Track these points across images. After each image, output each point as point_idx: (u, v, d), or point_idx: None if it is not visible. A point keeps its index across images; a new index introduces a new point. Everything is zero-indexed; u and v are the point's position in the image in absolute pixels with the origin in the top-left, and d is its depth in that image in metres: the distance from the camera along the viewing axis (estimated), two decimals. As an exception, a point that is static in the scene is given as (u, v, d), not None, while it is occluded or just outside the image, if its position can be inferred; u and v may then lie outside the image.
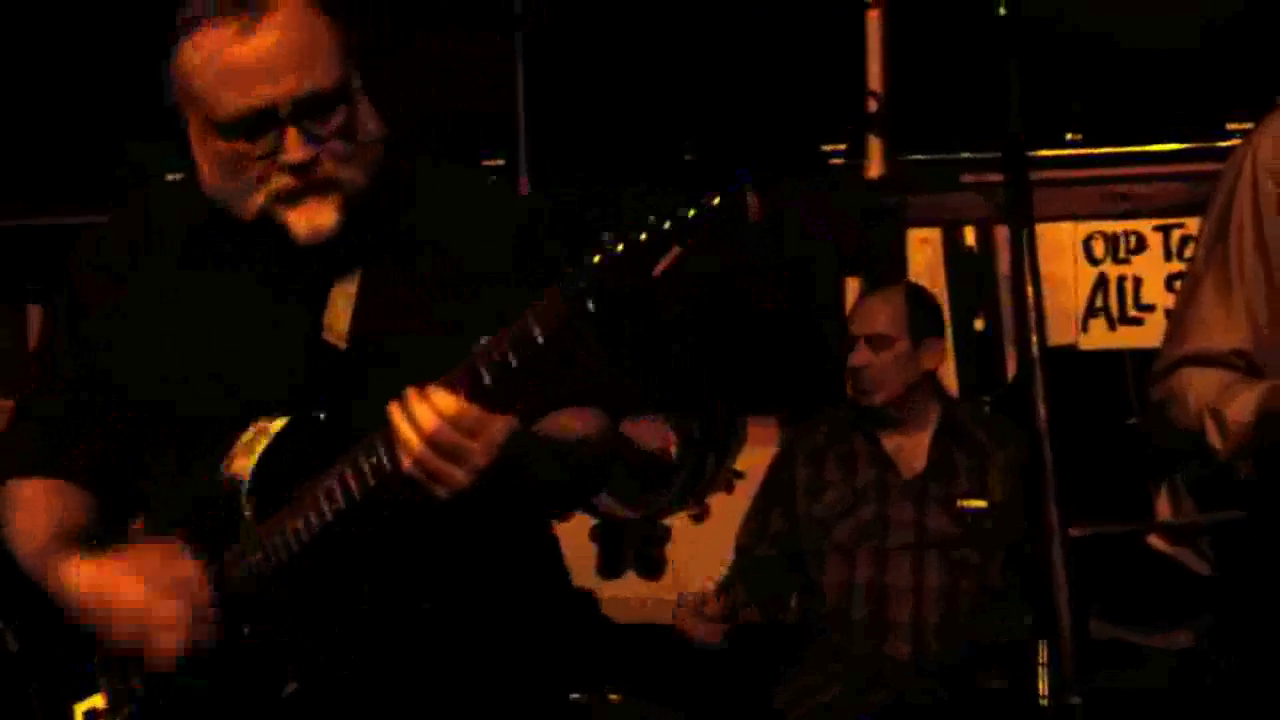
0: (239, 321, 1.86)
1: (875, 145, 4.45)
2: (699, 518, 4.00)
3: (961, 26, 4.30)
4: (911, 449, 3.74)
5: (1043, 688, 3.16)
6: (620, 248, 1.52)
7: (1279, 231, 2.11)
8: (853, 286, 4.48)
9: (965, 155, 4.41)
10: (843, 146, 4.54)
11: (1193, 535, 4.17)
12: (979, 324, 4.48)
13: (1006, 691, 3.56)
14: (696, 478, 4.61)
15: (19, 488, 1.98)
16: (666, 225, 1.52)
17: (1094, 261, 4.42)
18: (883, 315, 3.73)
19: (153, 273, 1.91)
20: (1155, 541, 4.24)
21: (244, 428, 1.81)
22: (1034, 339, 1.32)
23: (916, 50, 4.38)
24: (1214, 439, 2.12)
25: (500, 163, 4.72)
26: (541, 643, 1.93)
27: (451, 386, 1.62)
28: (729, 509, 4.44)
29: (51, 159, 4.90)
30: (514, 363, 1.57)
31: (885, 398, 3.70)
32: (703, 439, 4.66)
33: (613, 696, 3.87)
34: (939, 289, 4.34)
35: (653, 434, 4.52)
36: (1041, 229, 4.51)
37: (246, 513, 1.78)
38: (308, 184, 1.76)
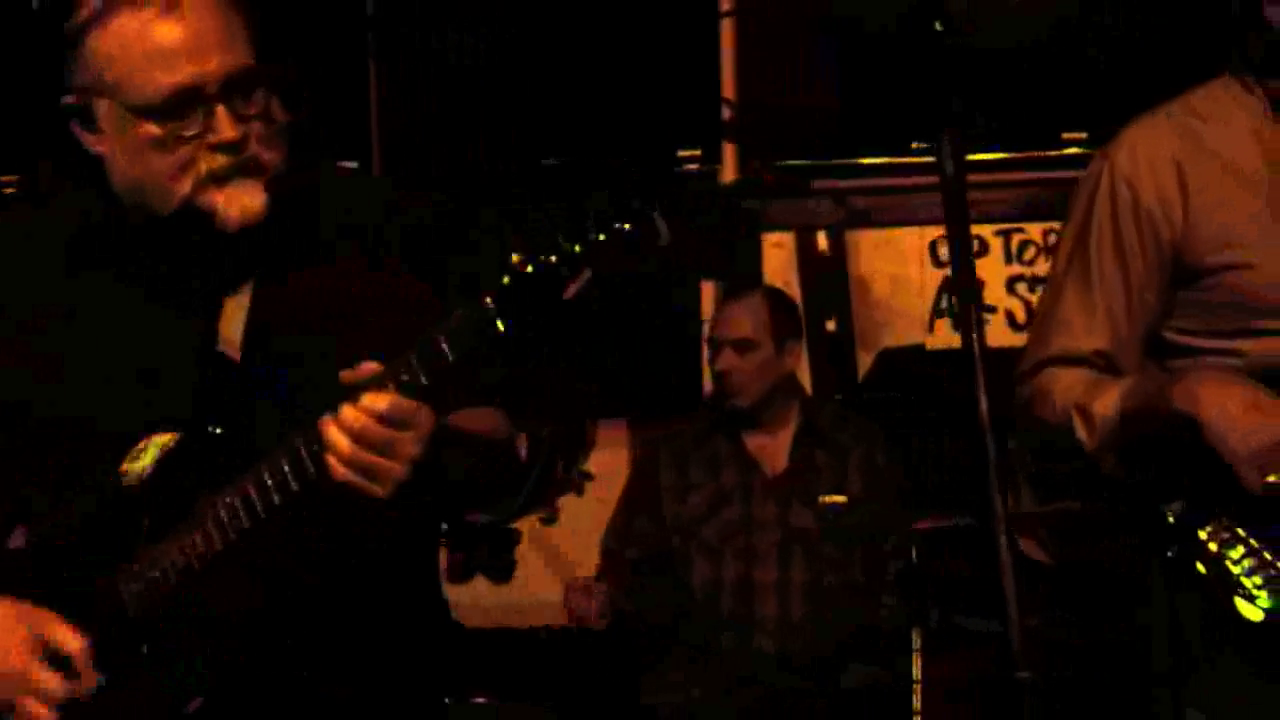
0: (130, 330, 1.81)
1: (729, 151, 4.56)
2: (548, 520, 4.03)
3: (814, 36, 4.44)
4: (774, 449, 3.85)
5: (916, 672, 3.29)
6: (530, 269, 1.54)
7: (1134, 237, 2.22)
8: (708, 290, 4.58)
9: (818, 162, 4.55)
10: (697, 152, 4.64)
11: (1033, 526, 4.37)
12: (831, 325, 4.62)
13: (871, 681, 3.70)
14: (546, 480, 4.65)
15: None
16: (577, 249, 1.53)
17: (939, 264, 4.60)
18: (746, 320, 3.83)
19: (37, 281, 1.85)
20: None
21: (135, 439, 1.77)
22: (974, 337, 1.40)
23: (771, 59, 4.50)
24: (1081, 434, 2.20)
25: (354, 165, 4.69)
26: (429, 649, 1.94)
27: (373, 390, 1.63)
28: (579, 511, 4.49)
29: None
30: (424, 380, 1.59)
31: (750, 400, 3.80)
32: (553, 441, 4.69)
33: (479, 699, 3.90)
34: (792, 292, 4.47)
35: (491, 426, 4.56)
36: (889, 234, 4.71)
37: (143, 526, 1.76)
38: (237, 164, 1.73)
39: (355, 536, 1.77)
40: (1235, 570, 2.07)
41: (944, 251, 4.63)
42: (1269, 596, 2.07)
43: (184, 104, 1.71)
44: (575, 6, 4.62)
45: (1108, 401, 2.19)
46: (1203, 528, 2.10)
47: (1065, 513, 3.87)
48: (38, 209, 1.95)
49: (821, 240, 4.64)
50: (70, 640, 1.77)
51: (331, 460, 1.64)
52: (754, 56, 4.56)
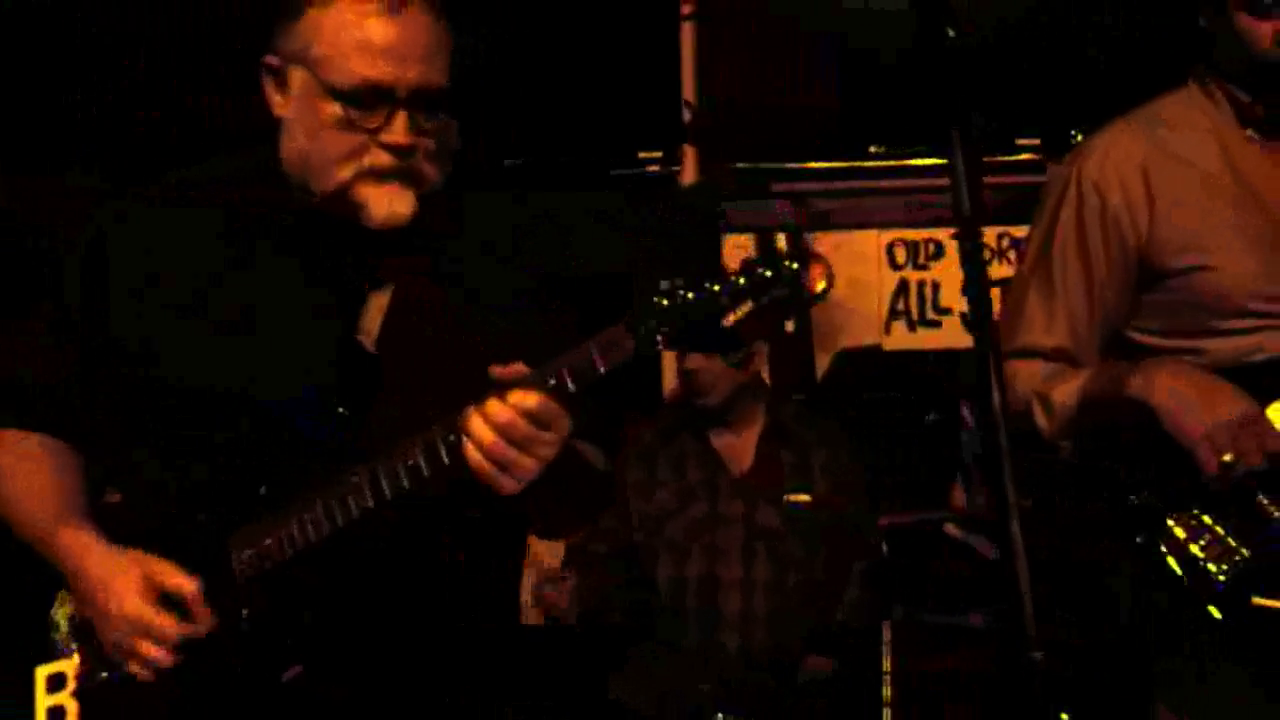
0: (277, 308, 1.88)
1: (689, 153, 4.61)
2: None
3: (777, 40, 4.50)
4: (739, 448, 3.90)
5: (886, 664, 3.35)
6: (691, 296, 1.58)
7: (1099, 240, 2.30)
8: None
9: (778, 165, 4.61)
10: (658, 154, 4.68)
11: (986, 523, 4.45)
12: (789, 326, 4.67)
13: (832, 677, 3.75)
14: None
15: (15, 438, 1.96)
16: (743, 280, 1.58)
17: (896, 267, 4.68)
18: (714, 321, 3.88)
19: (195, 245, 1.91)
20: (951, 529, 4.51)
21: (269, 412, 1.82)
22: (987, 336, 1.46)
23: (731, 62, 4.55)
24: (1040, 420, 2.28)
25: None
26: (507, 652, 1.99)
27: (523, 388, 1.68)
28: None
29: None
30: (572, 388, 1.65)
31: (718, 398, 3.85)
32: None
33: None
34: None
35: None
36: (847, 236, 4.79)
37: (259, 495, 1.81)
38: (399, 168, 1.80)
39: (465, 532, 1.84)
40: (1200, 555, 2.15)
41: (901, 254, 4.71)
42: (1228, 576, 2.14)
43: (372, 98, 1.79)
44: (537, 9, 4.65)
45: (1067, 390, 2.27)
46: (1170, 515, 2.17)
47: (1023, 511, 3.94)
48: (205, 178, 1.98)
49: (781, 242, 4.70)
50: (184, 583, 1.82)
51: (470, 449, 1.69)
52: (718, 60, 4.60)
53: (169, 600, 1.82)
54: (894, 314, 4.68)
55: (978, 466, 4.48)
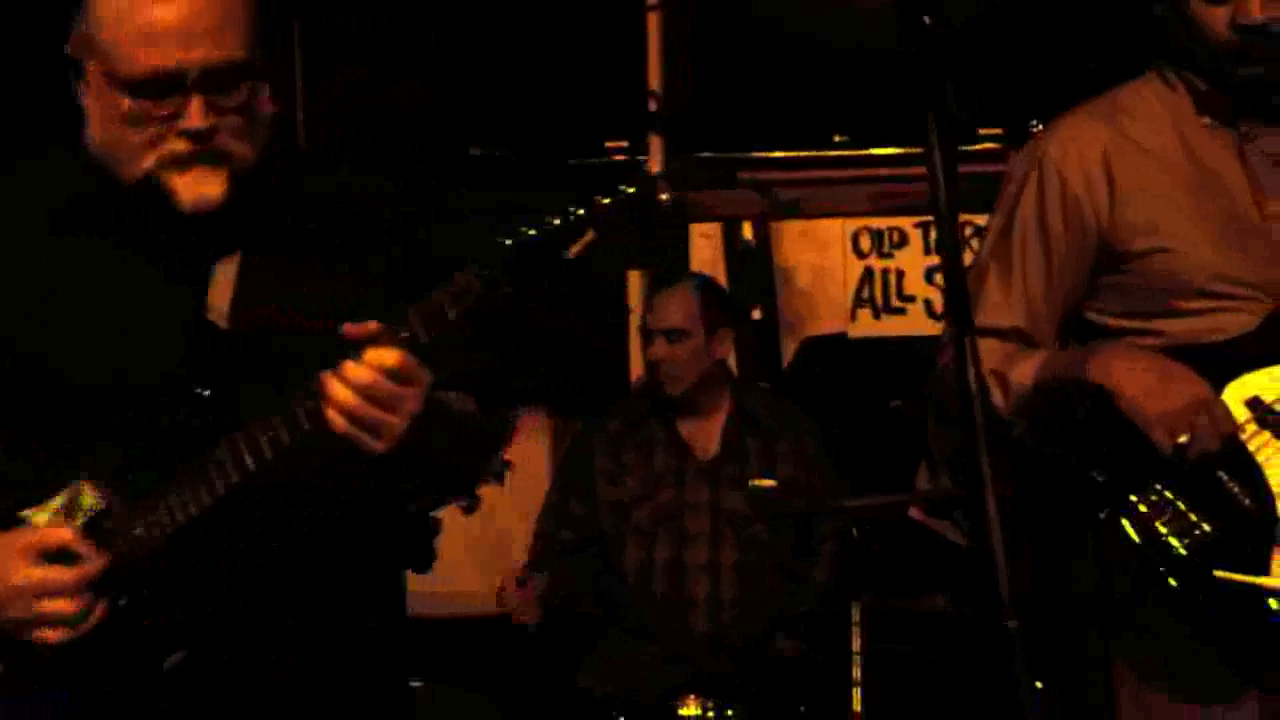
0: (119, 294, 1.84)
1: (655, 142, 4.63)
2: (469, 509, 4.07)
3: (739, 30, 4.53)
4: (705, 434, 3.93)
5: (856, 644, 3.39)
6: (534, 232, 1.61)
7: (1059, 222, 2.34)
8: (634, 279, 4.66)
9: (743, 154, 4.64)
10: (624, 143, 4.71)
11: (950, 508, 4.50)
12: (756, 314, 4.72)
13: (800, 659, 3.79)
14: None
15: None
16: (581, 210, 1.61)
17: (860, 255, 4.73)
18: (678, 310, 3.90)
19: (26, 242, 1.87)
20: (916, 514, 4.55)
21: (124, 400, 1.79)
22: (962, 318, 1.49)
23: (697, 52, 4.57)
24: (997, 399, 2.31)
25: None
26: (395, 629, 1.98)
27: (377, 344, 1.67)
28: (499, 500, 4.53)
29: None
30: (423, 338, 1.65)
31: (683, 386, 3.88)
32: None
33: (414, 683, 3.91)
34: (719, 281, 4.55)
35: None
36: (812, 224, 4.83)
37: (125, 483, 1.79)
38: (201, 152, 1.76)
39: (335, 504, 1.82)
40: (1163, 530, 2.19)
41: (865, 242, 4.75)
42: (1189, 549, 2.18)
43: (161, 86, 1.74)
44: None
45: (1025, 370, 2.30)
46: (1133, 491, 2.21)
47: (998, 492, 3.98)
48: (19, 167, 1.94)
49: (747, 230, 4.73)
50: (60, 533, 1.78)
51: (332, 413, 1.68)
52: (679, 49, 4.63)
53: (54, 557, 1.78)
54: (859, 301, 4.72)
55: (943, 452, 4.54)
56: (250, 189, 1.81)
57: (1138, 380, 2.19)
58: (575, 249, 1.61)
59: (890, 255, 4.73)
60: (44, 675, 1.80)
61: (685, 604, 3.81)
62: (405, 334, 1.66)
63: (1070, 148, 2.34)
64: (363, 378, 1.67)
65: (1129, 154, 2.33)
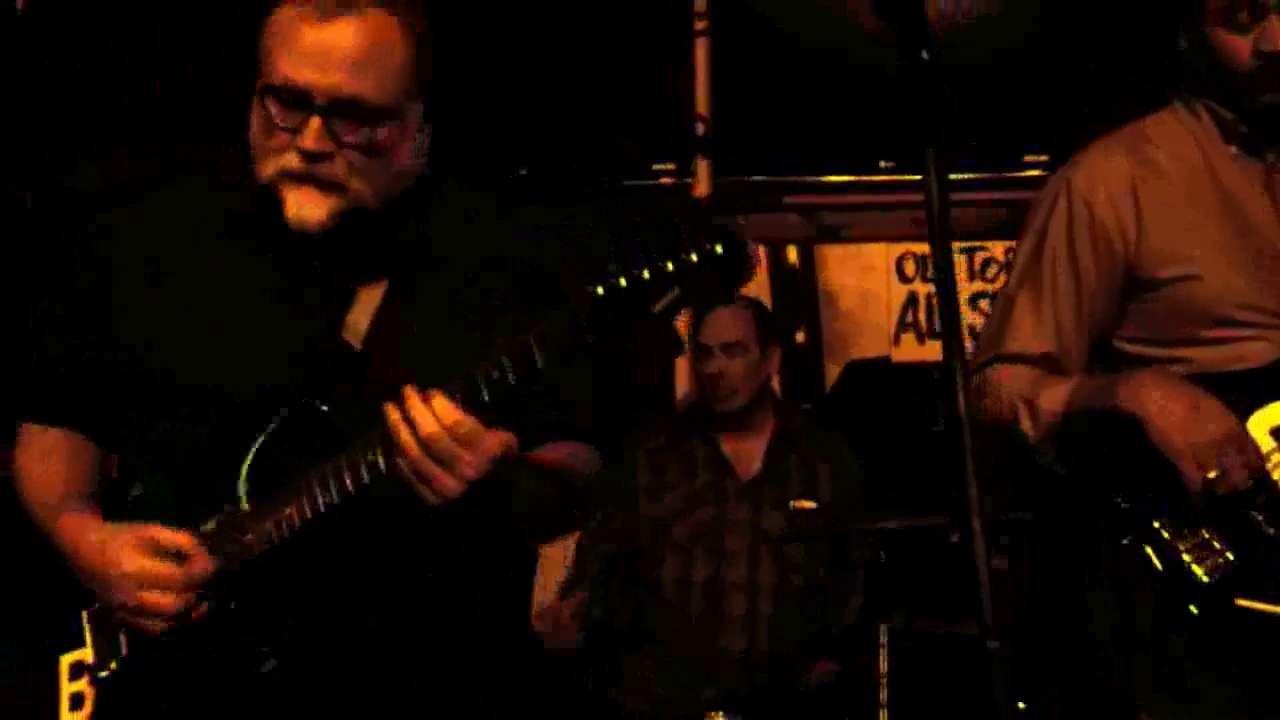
0: (262, 305, 1.91)
1: (703, 166, 4.68)
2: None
3: (787, 56, 4.57)
4: (748, 453, 3.96)
5: (883, 666, 3.41)
6: (623, 282, 1.59)
7: (1088, 251, 2.37)
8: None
9: (789, 178, 4.67)
10: (671, 166, 4.76)
11: (992, 532, 4.49)
12: (800, 337, 4.75)
13: (835, 679, 3.81)
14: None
15: (40, 434, 2.02)
16: (670, 265, 1.58)
17: (905, 280, 4.75)
18: (736, 326, 3.94)
19: (184, 245, 1.96)
20: (957, 538, 4.55)
21: (252, 410, 1.85)
22: (955, 343, 1.53)
23: (744, 77, 4.62)
24: (1026, 426, 2.34)
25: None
26: (506, 668, 2.00)
27: (451, 396, 1.70)
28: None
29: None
30: (512, 380, 1.66)
31: (738, 402, 3.92)
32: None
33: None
34: (764, 302, 4.59)
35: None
36: (857, 249, 4.86)
37: (243, 491, 1.85)
38: (312, 174, 1.83)
39: (416, 534, 1.85)
40: (1186, 558, 2.20)
41: (910, 267, 4.78)
42: (1212, 577, 2.19)
43: (292, 100, 1.83)
44: (552, 20, 4.73)
45: (1054, 397, 2.33)
46: (1157, 519, 2.22)
47: (1021, 521, 3.99)
48: (201, 184, 2.03)
49: (792, 254, 4.77)
50: (178, 536, 1.86)
51: (395, 454, 1.72)
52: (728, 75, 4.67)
53: (166, 554, 1.86)
54: (903, 326, 4.75)
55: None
56: (372, 223, 1.86)
57: (1168, 412, 2.21)
58: (660, 304, 1.58)
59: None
60: (161, 662, 1.88)
61: (721, 621, 3.84)
62: (495, 375, 1.66)
63: (1096, 176, 2.37)
64: (426, 428, 1.69)
65: (1155, 182, 2.36)
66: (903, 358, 4.75)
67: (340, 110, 1.82)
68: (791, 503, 3.88)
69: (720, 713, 3.54)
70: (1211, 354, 2.30)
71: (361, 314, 1.91)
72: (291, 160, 1.84)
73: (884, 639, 3.41)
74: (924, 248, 4.75)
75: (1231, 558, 2.19)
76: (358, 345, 1.91)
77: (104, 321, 1.97)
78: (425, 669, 1.92)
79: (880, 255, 4.75)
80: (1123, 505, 2.25)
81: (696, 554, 3.88)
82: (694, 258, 1.58)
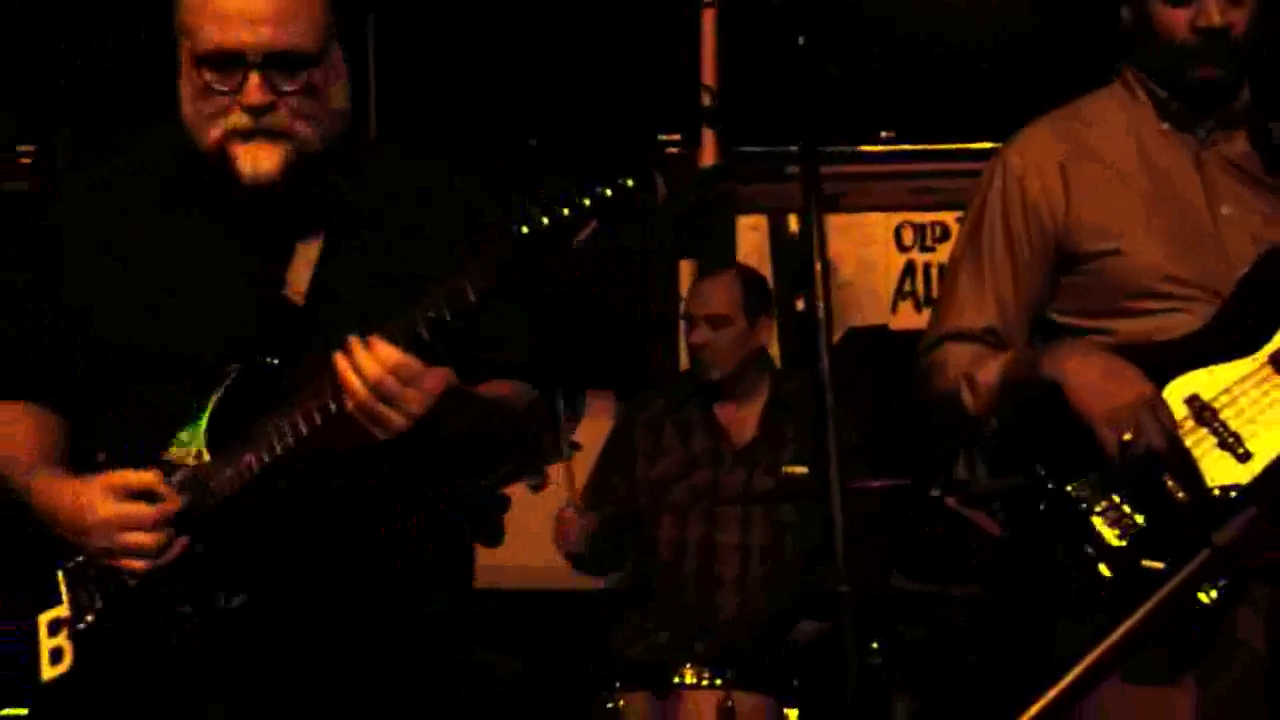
0: (206, 267, 2.02)
1: (709, 136, 4.75)
2: (537, 487, 4.23)
3: (791, 26, 4.62)
4: (743, 419, 4.05)
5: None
6: (545, 220, 1.74)
7: (1022, 227, 2.46)
8: (686, 269, 4.79)
9: (791, 148, 4.72)
10: (677, 136, 4.83)
11: (986, 498, 4.57)
12: (799, 304, 4.82)
13: (823, 640, 3.91)
14: (538, 449, 4.84)
15: (3, 407, 2.11)
16: (587, 201, 1.74)
17: (903, 249, 4.82)
18: (719, 297, 4.01)
19: (131, 214, 2.06)
20: (952, 502, 4.63)
21: (204, 369, 1.96)
22: (819, 304, 1.68)
23: (748, 48, 4.68)
24: (967, 399, 2.44)
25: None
26: (460, 600, 2.13)
27: (393, 340, 1.82)
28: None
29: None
30: (448, 318, 1.80)
31: (723, 372, 4.00)
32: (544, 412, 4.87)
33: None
34: (764, 272, 4.68)
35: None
36: (858, 219, 4.93)
37: (203, 445, 1.97)
38: (260, 127, 1.93)
39: (363, 472, 1.97)
40: (1097, 522, 2.29)
41: (908, 236, 4.85)
42: (1124, 541, 2.27)
43: (226, 63, 1.93)
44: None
45: (990, 370, 2.43)
46: (1072, 484, 2.30)
47: (1015, 488, 4.07)
48: (146, 143, 2.13)
49: (793, 223, 4.84)
50: (144, 475, 1.96)
51: (344, 397, 1.84)
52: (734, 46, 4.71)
53: (137, 496, 1.96)
54: (901, 294, 4.82)
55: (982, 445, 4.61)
56: (315, 171, 1.97)
57: (1085, 378, 2.30)
58: (579, 238, 1.74)
59: (933, 249, 4.81)
60: (134, 609, 1.98)
61: (715, 582, 3.94)
62: (432, 314, 1.80)
63: (1029, 154, 2.48)
64: (371, 372, 1.81)
65: (1084, 161, 2.45)
66: (901, 325, 4.82)
67: (274, 62, 1.92)
68: (783, 468, 3.97)
69: (689, 665, 3.63)
70: (1134, 325, 2.39)
71: (301, 269, 2.01)
72: (238, 119, 1.94)
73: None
74: (923, 217, 4.82)
75: (1141, 521, 2.26)
76: (300, 300, 2.01)
77: (55, 292, 2.06)
78: (380, 604, 2.02)
79: (879, 224, 4.81)
80: (1040, 472, 2.33)
81: (691, 516, 3.98)
82: (609, 193, 1.74)
